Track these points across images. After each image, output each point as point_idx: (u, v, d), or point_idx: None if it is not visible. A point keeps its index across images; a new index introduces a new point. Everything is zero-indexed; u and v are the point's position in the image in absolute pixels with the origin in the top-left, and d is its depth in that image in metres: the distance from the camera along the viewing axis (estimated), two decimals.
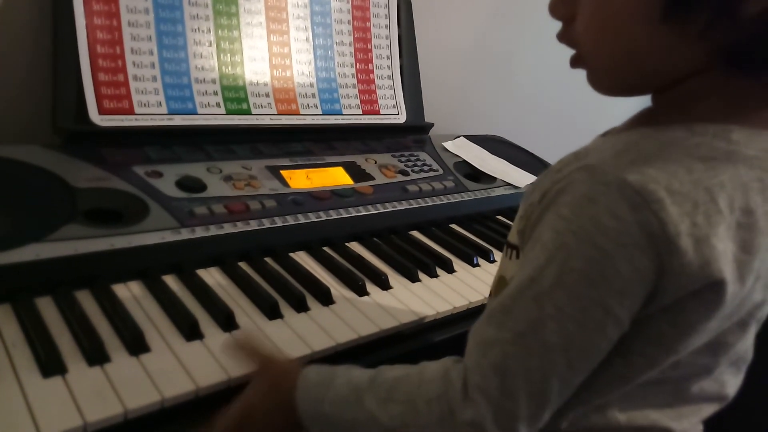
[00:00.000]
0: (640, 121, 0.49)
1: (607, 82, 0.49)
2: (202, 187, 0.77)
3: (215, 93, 0.89)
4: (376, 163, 0.98)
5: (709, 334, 0.45)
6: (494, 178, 1.09)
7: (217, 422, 0.52)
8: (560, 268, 0.42)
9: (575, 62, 0.49)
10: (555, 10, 0.49)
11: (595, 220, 0.41)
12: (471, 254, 0.85)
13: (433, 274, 0.79)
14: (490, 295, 0.58)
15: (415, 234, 0.89)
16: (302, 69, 0.99)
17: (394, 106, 1.10)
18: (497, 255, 0.88)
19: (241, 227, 0.74)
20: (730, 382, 0.51)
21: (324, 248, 0.79)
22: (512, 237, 0.53)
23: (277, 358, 0.56)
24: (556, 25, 0.50)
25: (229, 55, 0.91)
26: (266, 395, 0.52)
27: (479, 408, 0.43)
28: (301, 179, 0.87)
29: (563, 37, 0.49)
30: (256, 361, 0.55)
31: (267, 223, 0.76)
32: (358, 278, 0.72)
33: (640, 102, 0.50)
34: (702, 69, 0.43)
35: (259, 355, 0.55)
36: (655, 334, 0.44)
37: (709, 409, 0.51)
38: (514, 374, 0.42)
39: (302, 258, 0.76)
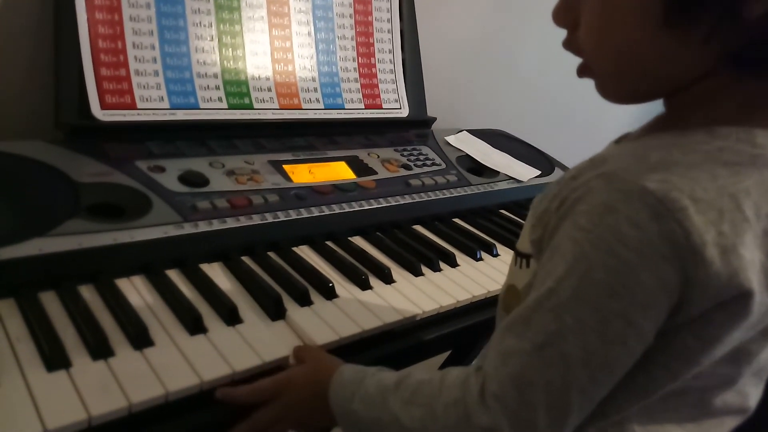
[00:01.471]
0: (656, 126, 0.48)
1: (613, 89, 0.48)
2: (205, 181, 0.77)
3: (217, 87, 0.89)
4: (378, 157, 0.98)
5: (732, 344, 0.44)
6: (497, 172, 1.08)
7: (259, 381, 0.55)
8: (580, 280, 0.41)
9: (582, 71, 0.49)
10: (558, 18, 0.48)
11: (614, 230, 0.40)
12: (474, 248, 0.85)
13: (436, 269, 0.79)
14: (499, 302, 0.58)
15: (418, 228, 0.89)
16: (304, 63, 0.99)
17: (396, 101, 1.10)
18: (500, 249, 0.88)
19: (243, 222, 0.74)
20: (753, 393, 0.50)
21: (327, 242, 0.79)
22: (523, 246, 0.52)
23: (321, 351, 0.59)
24: None
25: (230, 49, 0.91)
26: (307, 377, 0.55)
27: (495, 416, 0.43)
28: (303, 174, 0.87)
29: (568, 44, 0.49)
30: (304, 351, 0.59)
31: (270, 218, 0.76)
32: (361, 272, 0.72)
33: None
34: (710, 72, 0.42)
35: (308, 347, 0.60)
36: (679, 347, 0.43)
37: (731, 423, 0.50)
38: (532, 386, 0.42)
39: (305, 252, 0.76)
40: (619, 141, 0.51)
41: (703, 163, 0.41)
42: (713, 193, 0.40)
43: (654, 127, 0.48)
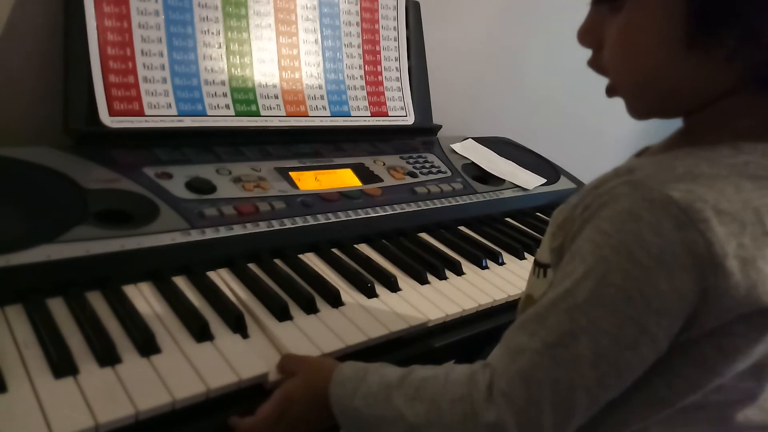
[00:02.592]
0: (679, 141, 0.48)
1: (638, 107, 0.49)
2: (212, 188, 0.77)
3: (224, 95, 0.90)
4: (384, 164, 0.98)
5: (755, 357, 0.44)
6: (502, 180, 1.08)
7: (259, 409, 0.54)
8: (598, 283, 0.41)
9: (610, 91, 0.50)
10: (583, 39, 0.49)
11: (636, 236, 0.40)
12: (480, 256, 0.85)
13: (441, 276, 0.79)
14: (518, 311, 0.58)
15: (424, 236, 0.89)
16: (311, 71, 0.99)
17: (402, 108, 1.10)
18: (506, 257, 0.88)
19: (250, 229, 0.74)
20: None
21: (333, 250, 0.79)
22: (542, 256, 0.52)
23: (311, 357, 0.58)
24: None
25: (238, 56, 0.91)
26: (305, 389, 0.54)
27: (502, 412, 0.43)
28: (309, 181, 0.87)
29: (593, 63, 0.49)
30: (293, 362, 0.57)
31: (276, 225, 0.76)
32: (367, 280, 0.72)
33: None
34: (733, 89, 0.43)
35: (294, 357, 0.58)
36: (700, 357, 0.43)
37: None
38: (540, 383, 0.42)
39: (311, 259, 0.77)
40: (640, 154, 0.52)
41: (729, 175, 0.42)
42: (738, 204, 0.40)
43: (677, 142, 0.48)
